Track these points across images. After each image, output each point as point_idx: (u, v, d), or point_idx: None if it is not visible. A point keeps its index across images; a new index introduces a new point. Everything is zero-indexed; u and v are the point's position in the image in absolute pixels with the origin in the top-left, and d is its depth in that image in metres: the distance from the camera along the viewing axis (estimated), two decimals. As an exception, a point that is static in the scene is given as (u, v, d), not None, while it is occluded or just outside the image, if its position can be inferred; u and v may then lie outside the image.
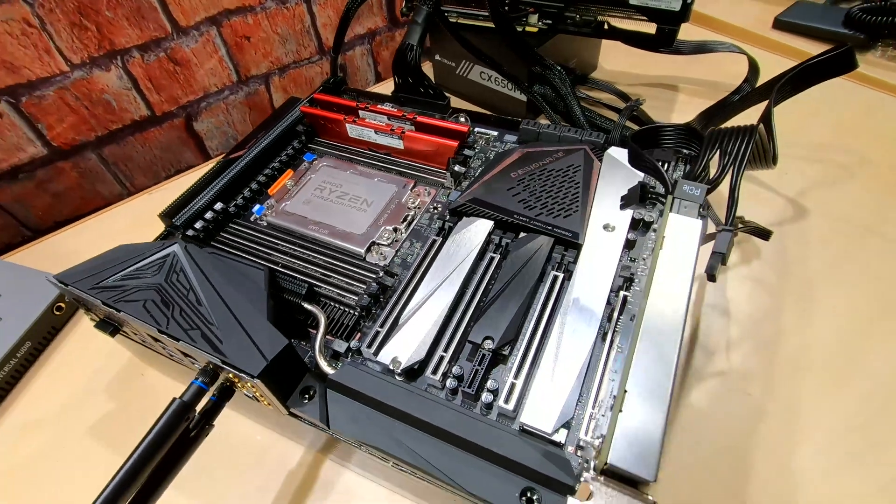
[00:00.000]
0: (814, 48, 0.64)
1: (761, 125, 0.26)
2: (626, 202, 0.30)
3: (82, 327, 0.45)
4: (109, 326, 0.32)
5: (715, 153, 0.28)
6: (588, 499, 0.13)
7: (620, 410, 0.15)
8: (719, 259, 0.23)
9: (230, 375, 0.27)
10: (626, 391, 0.15)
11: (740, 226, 0.34)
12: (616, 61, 0.68)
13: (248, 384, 0.27)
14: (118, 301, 0.29)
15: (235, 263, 0.32)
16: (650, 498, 0.13)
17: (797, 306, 0.40)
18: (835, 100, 0.58)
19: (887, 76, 0.59)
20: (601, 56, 0.67)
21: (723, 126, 0.29)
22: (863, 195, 0.48)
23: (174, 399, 0.26)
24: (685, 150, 0.31)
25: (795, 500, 0.31)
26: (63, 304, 0.45)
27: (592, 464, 0.14)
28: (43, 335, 0.44)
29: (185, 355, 0.29)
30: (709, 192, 0.25)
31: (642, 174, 0.35)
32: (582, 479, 0.13)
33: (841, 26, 0.63)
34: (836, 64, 0.37)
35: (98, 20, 0.54)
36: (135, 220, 0.56)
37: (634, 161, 0.31)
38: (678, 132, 0.31)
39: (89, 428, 0.39)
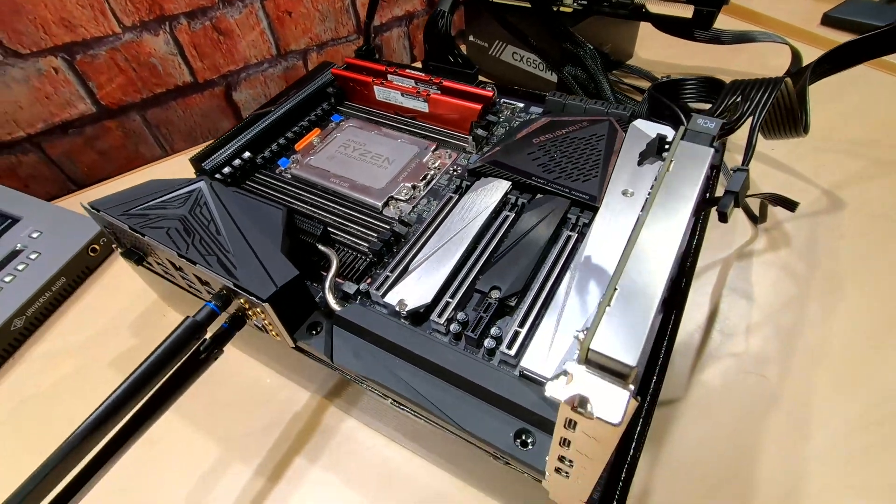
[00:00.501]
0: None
1: (788, 79, 0.25)
2: (643, 156, 0.30)
3: (113, 270, 0.48)
4: (135, 255, 0.34)
5: (735, 100, 0.27)
6: (568, 383, 0.13)
7: (609, 305, 0.14)
8: (732, 198, 0.22)
9: (242, 301, 0.28)
10: (615, 289, 0.15)
11: (766, 194, 0.33)
12: (653, 51, 0.67)
13: (258, 310, 0.27)
14: (144, 227, 0.31)
15: (256, 202, 0.33)
16: (631, 387, 0.13)
17: (823, 298, 0.39)
18: (881, 98, 0.56)
19: (942, 75, 0.56)
20: (637, 45, 0.66)
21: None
22: (905, 191, 0.46)
23: (186, 317, 0.27)
24: (706, 104, 0.31)
25: (802, 488, 0.30)
26: (97, 247, 0.47)
27: (575, 354, 0.14)
28: (77, 273, 0.46)
29: (203, 283, 0.30)
30: (725, 133, 0.24)
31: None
32: (565, 368, 0.13)
33: (895, 23, 0.61)
34: (883, 42, 0.36)
35: (150, -15, 0.57)
36: (171, 175, 0.59)
37: (653, 110, 0.31)
38: (699, 84, 0.31)
39: (111, 360, 0.41)
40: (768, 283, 0.40)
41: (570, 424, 0.15)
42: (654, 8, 0.53)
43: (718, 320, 0.38)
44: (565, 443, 0.18)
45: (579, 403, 0.13)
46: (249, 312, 0.29)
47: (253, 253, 0.29)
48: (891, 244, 0.42)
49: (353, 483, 0.32)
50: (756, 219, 0.44)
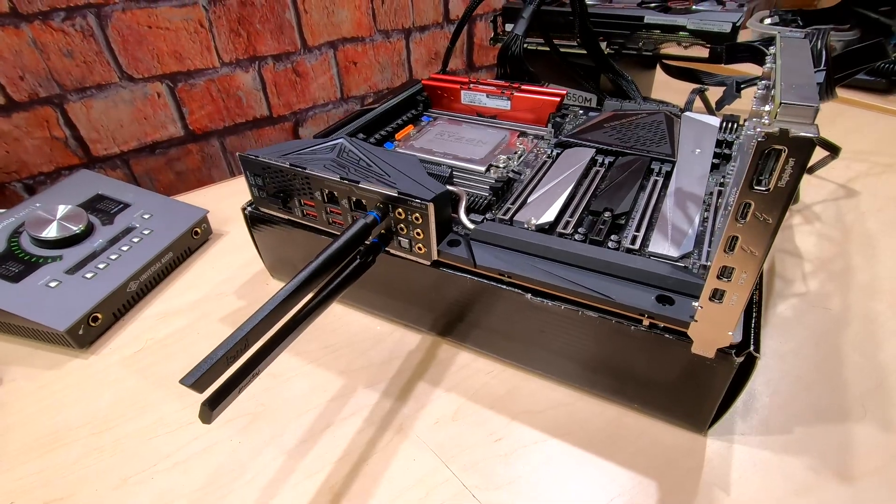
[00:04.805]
0: (843, 93, 0.74)
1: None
2: (722, 102, 0.37)
3: (212, 252, 0.51)
4: (278, 199, 0.38)
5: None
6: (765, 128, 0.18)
7: (781, 85, 0.20)
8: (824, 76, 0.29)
9: (398, 213, 0.32)
10: (782, 84, 0.20)
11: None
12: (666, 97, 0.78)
13: (415, 217, 0.32)
14: (303, 164, 0.36)
15: (390, 151, 0.39)
16: (816, 123, 0.18)
17: (862, 251, 0.45)
18: (869, 125, 0.67)
19: (911, 110, 0.68)
20: (653, 91, 0.78)
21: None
22: (906, 183, 0.54)
23: (356, 219, 0.32)
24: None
25: (888, 381, 0.34)
26: (199, 230, 0.52)
27: (766, 120, 0.19)
28: (182, 251, 0.50)
29: (356, 208, 0.34)
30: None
31: (717, 122, 0.43)
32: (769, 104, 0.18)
33: (865, 74, 0.74)
34: (870, 52, 0.46)
35: (249, 30, 0.67)
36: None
37: (729, 56, 0.39)
38: (764, 41, 0.39)
39: (221, 317, 0.43)
40: (811, 245, 0.46)
41: (756, 182, 0.20)
42: (669, 59, 0.65)
43: (777, 271, 0.43)
44: (731, 245, 0.23)
45: (780, 134, 0.18)
46: (401, 226, 0.33)
47: (405, 175, 0.34)
48: (908, 217, 0.49)
49: (478, 397, 0.35)
50: (788, 202, 0.51)
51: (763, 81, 0.26)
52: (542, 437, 0.32)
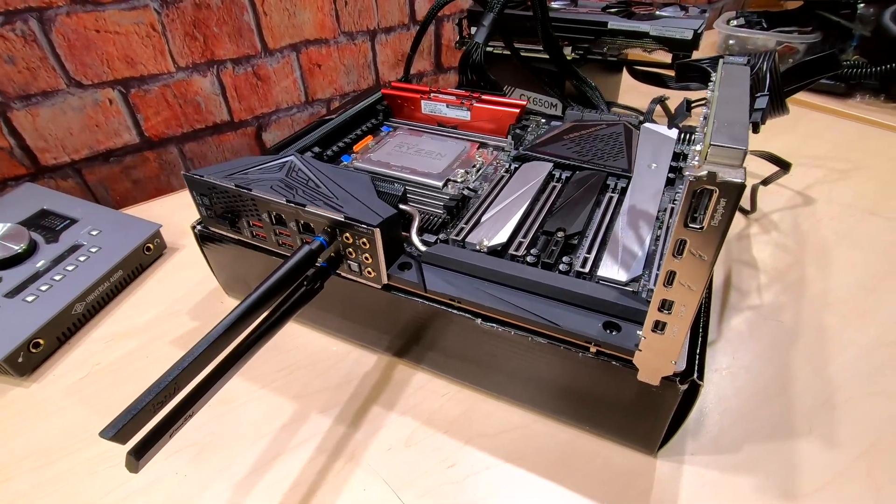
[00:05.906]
0: (802, 96, 0.75)
1: (776, 53, 0.34)
2: (675, 117, 0.37)
3: (165, 269, 0.50)
4: (226, 219, 0.37)
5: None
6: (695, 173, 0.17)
7: (713, 126, 0.20)
8: (766, 99, 0.29)
9: (346, 237, 0.32)
10: (714, 121, 0.20)
11: (764, 152, 0.40)
12: (632, 101, 0.78)
13: (363, 241, 0.31)
14: (249, 185, 0.35)
15: (342, 169, 0.38)
16: (744, 166, 0.18)
17: (817, 262, 0.45)
18: (828, 129, 0.68)
19: (867, 114, 0.69)
20: (619, 96, 0.78)
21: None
22: (861, 189, 0.55)
23: (302, 244, 0.31)
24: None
25: (836, 397, 0.34)
26: (151, 246, 0.50)
27: (696, 161, 0.19)
28: (132, 268, 0.48)
29: (304, 230, 0.33)
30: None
31: (675, 133, 0.43)
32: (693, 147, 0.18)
33: (825, 78, 0.75)
34: (823, 64, 0.46)
35: (206, 33, 0.65)
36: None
37: (681, 74, 0.39)
38: (712, 60, 0.39)
39: (173, 339, 0.42)
40: (767, 255, 0.47)
41: (690, 220, 0.20)
42: (637, 64, 0.65)
43: (733, 283, 0.44)
44: (670, 280, 0.23)
45: (709, 177, 0.18)
46: (349, 250, 0.32)
47: (353, 197, 0.33)
48: (861, 224, 0.50)
49: (432, 421, 0.34)
50: (746, 211, 0.51)
51: (705, 109, 0.26)
52: (496, 462, 0.32)
